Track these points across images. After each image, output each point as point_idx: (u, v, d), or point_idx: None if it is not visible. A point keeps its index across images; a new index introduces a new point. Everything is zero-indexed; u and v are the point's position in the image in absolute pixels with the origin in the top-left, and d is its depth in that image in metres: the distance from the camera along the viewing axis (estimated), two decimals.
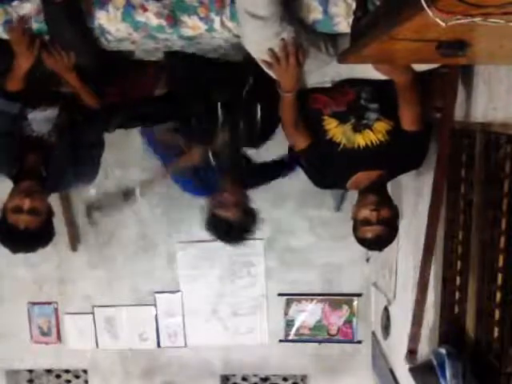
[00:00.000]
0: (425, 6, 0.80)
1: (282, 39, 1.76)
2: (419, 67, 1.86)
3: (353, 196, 2.13)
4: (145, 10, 1.86)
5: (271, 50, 1.79)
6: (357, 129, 2.02)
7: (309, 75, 1.95)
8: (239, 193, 2.34)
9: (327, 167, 2.09)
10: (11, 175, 2.20)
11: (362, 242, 2.02)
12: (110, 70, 2.25)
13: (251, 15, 1.66)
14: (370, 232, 1.94)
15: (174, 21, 1.86)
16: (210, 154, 2.31)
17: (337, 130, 2.04)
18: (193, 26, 1.86)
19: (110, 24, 1.90)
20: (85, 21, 1.92)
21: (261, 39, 1.77)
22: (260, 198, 3.96)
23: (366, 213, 1.93)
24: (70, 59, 2.06)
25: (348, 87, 2.05)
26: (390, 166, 2.04)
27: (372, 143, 2.01)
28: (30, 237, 2.08)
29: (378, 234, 1.94)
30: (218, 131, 2.24)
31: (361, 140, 2.02)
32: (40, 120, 2.25)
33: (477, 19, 0.83)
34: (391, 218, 1.97)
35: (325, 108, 2.06)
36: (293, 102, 1.99)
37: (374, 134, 2.01)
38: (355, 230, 2.02)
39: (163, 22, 1.87)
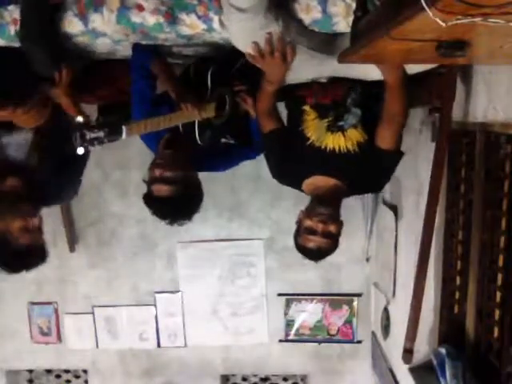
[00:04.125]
0: (425, 6, 0.79)
1: (269, 33, 1.72)
2: (412, 69, 1.82)
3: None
4: (141, 9, 1.84)
5: (255, 44, 1.76)
6: (330, 128, 1.98)
7: (302, 72, 1.93)
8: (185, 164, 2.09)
9: (287, 157, 2.04)
10: None
11: (301, 249, 1.96)
12: (97, 72, 2.21)
13: (235, 8, 1.64)
14: (312, 242, 1.90)
15: (172, 18, 1.84)
16: (196, 124, 2.13)
17: (312, 124, 2.01)
18: (191, 24, 1.84)
19: (106, 27, 1.88)
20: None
21: (245, 32, 1.74)
22: (259, 198, 4.01)
23: (312, 223, 1.89)
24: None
25: (341, 83, 2.01)
26: (349, 180, 1.98)
27: (339, 149, 1.96)
28: (34, 254, 2.00)
29: (319, 246, 1.90)
30: (206, 99, 2.12)
31: (330, 142, 1.97)
32: (16, 145, 2.15)
33: (477, 19, 0.83)
34: (336, 234, 1.93)
35: (310, 97, 2.02)
36: (272, 95, 1.98)
37: (345, 141, 1.96)
38: (297, 235, 1.97)
39: (161, 19, 1.84)
